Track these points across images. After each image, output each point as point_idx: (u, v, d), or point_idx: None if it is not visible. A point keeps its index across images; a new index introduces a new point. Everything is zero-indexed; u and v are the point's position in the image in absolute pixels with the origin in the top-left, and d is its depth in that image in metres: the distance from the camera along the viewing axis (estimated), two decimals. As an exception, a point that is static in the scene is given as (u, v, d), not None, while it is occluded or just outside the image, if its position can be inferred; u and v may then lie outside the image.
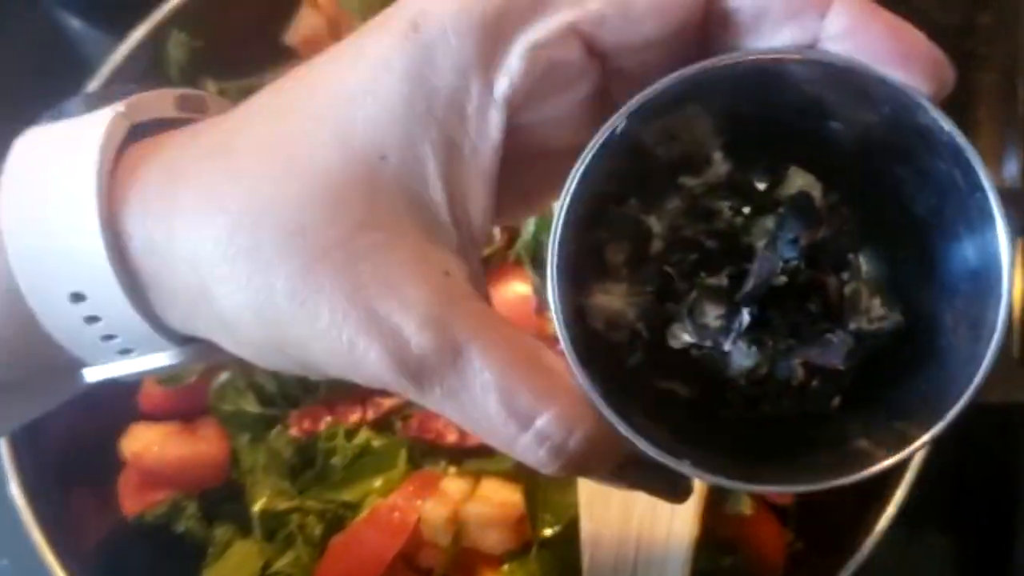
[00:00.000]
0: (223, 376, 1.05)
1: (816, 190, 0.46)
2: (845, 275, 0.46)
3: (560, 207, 0.42)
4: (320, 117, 0.43)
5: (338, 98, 0.43)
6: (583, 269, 0.44)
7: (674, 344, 0.46)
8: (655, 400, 0.46)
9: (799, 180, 0.46)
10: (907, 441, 0.43)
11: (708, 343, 0.45)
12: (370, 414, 1.01)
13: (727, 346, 0.45)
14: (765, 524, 1.03)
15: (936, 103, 0.43)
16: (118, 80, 1.12)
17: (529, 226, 1.00)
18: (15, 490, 1.00)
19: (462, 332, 0.42)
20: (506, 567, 0.96)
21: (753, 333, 0.45)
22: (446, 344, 0.42)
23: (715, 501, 0.96)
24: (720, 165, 0.46)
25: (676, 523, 0.88)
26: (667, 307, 0.46)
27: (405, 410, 1.02)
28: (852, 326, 0.46)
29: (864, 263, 0.46)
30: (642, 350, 0.46)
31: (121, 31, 1.14)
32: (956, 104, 1.33)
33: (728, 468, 0.42)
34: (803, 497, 0.83)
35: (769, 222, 0.45)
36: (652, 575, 0.88)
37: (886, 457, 0.43)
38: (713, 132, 0.45)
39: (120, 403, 1.11)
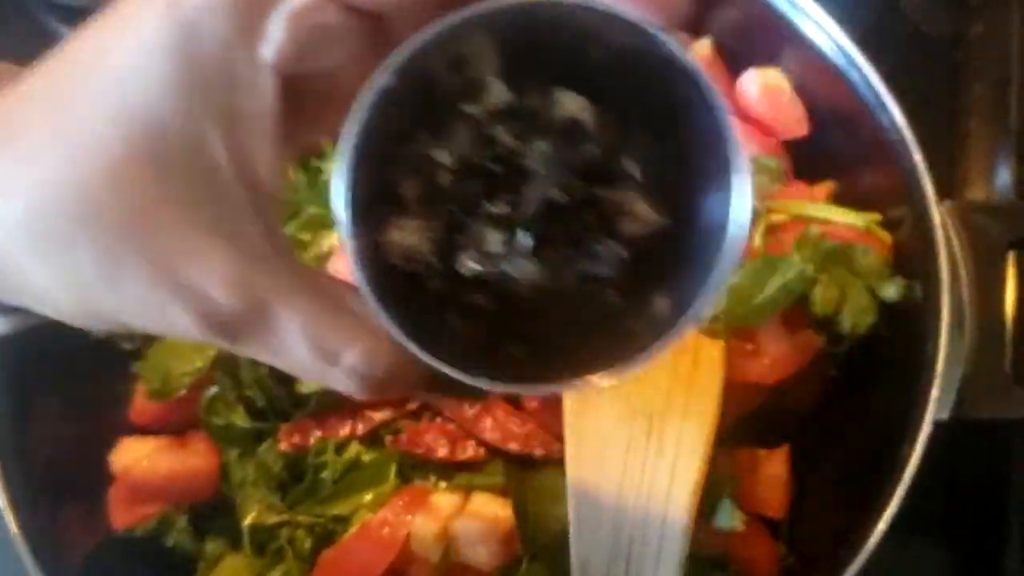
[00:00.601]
0: (213, 390, 1.04)
1: (586, 111, 0.49)
2: (617, 186, 0.50)
3: (342, 149, 0.45)
4: (95, 103, 0.44)
5: (109, 82, 0.44)
6: (377, 207, 0.48)
7: (465, 272, 0.50)
8: (457, 321, 0.51)
9: (570, 103, 0.49)
10: (674, 327, 0.49)
11: (495, 267, 0.49)
12: (360, 428, 1.00)
13: (512, 268, 0.49)
14: (757, 539, 1.03)
15: (671, 33, 0.47)
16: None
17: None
18: (3, 504, 1.00)
19: (266, 289, 0.46)
20: (496, 582, 0.96)
21: (537, 252, 0.49)
22: (252, 302, 0.45)
23: (705, 517, 0.96)
24: (497, 92, 0.49)
25: (671, 508, 0.87)
26: (457, 238, 0.50)
27: (395, 424, 1.02)
28: (626, 231, 0.51)
29: (633, 173, 0.50)
30: (439, 279, 0.50)
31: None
32: (947, 114, 1.35)
33: (522, 376, 0.49)
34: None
35: (545, 145, 0.48)
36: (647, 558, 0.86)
37: (655, 340, 0.49)
38: (489, 63, 0.48)
39: (110, 416, 1.11)
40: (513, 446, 0.96)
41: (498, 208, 0.50)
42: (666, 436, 0.86)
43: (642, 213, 0.51)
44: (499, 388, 0.48)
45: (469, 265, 0.50)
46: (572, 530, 0.86)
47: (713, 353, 0.92)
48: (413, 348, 0.46)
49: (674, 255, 0.51)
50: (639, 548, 0.84)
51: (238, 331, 0.46)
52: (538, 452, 0.95)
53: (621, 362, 0.48)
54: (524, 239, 0.49)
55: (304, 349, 0.47)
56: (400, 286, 0.48)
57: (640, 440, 0.86)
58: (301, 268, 0.49)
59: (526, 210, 0.49)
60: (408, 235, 0.49)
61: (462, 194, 0.50)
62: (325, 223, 1.07)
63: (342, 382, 0.48)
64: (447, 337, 0.49)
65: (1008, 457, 1.21)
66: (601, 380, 0.49)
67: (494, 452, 0.98)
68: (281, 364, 0.48)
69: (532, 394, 0.92)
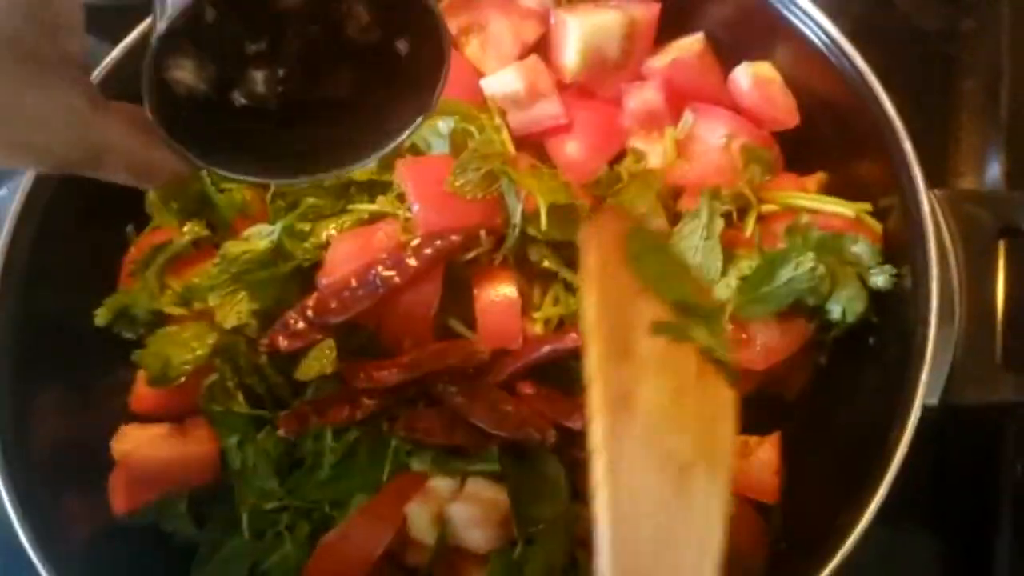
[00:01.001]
0: (213, 377, 1.06)
1: None
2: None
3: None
4: None
5: None
6: (166, 52, 0.66)
7: (237, 102, 0.71)
8: (237, 134, 0.72)
9: None
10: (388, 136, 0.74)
11: (262, 94, 0.72)
12: (357, 414, 1.02)
13: (272, 92, 0.71)
14: (749, 524, 1.04)
15: None
16: (113, 82, 1.13)
17: (514, 230, 1.01)
18: (4, 489, 1.01)
19: (96, 140, 0.66)
20: (492, 564, 0.96)
21: (291, 78, 0.71)
22: (89, 151, 0.66)
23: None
24: None
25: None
26: (227, 73, 0.70)
27: (392, 411, 1.03)
28: (352, 33, 0.71)
29: None
30: (219, 108, 0.71)
31: (111, 38, 1.15)
32: (939, 108, 1.36)
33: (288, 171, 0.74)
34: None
35: None
36: None
37: (372, 151, 0.74)
38: None
39: (111, 404, 1.12)
40: (505, 431, 0.97)
41: (257, 47, 0.69)
42: (694, 494, 0.72)
43: (359, 14, 0.71)
44: (270, 181, 0.77)
45: (239, 98, 0.71)
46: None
47: (729, 400, 0.78)
48: (176, 147, 0.67)
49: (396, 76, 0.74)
50: None
51: (73, 168, 0.67)
52: (533, 437, 0.96)
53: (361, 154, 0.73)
54: (281, 72, 0.71)
55: (123, 176, 0.69)
56: (187, 113, 0.69)
57: (670, 495, 0.71)
58: (118, 117, 0.68)
59: (284, 48, 0.70)
60: (186, 73, 0.69)
61: (227, 35, 0.68)
62: (323, 213, 1.09)
63: (159, 179, 0.72)
64: (229, 147, 0.71)
65: (999, 445, 1.21)
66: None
67: (488, 437, 0.99)
68: (117, 180, 0.70)
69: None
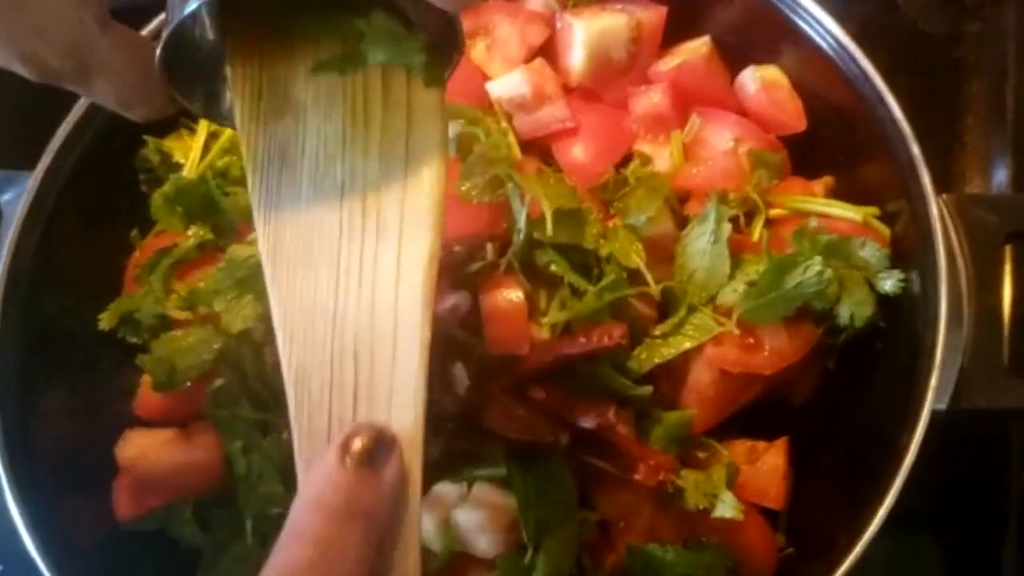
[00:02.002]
0: (218, 382, 1.05)
1: None
2: None
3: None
4: None
5: None
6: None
7: None
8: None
9: None
10: None
11: None
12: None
13: None
14: (756, 530, 1.04)
15: None
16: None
17: (519, 234, 1.01)
18: (10, 496, 1.01)
19: (95, 58, 0.69)
20: (499, 570, 0.96)
21: None
22: (82, 66, 0.69)
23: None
24: None
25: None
26: None
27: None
28: None
29: None
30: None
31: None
32: (945, 112, 1.36)
33: None
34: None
35: None
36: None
37: None
38: None
39: (116, 409, 1.12)
40: (517, 434, 0.96)
41: None
42: (385, 207, 0.72)
43: None
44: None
45: None
46: (281, 345, 0.70)
47: (431, 99, 0.75)
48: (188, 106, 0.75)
49: None
50: (368, 344, 0.68)
51: (62, 80, 0.69)
52: (547, 439, 0.96)
53: None
54: None
55: (110, 99, 0.72)
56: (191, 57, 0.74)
57: (356, 219, 0.72)
58: (127, 37, 0.71)
59: None
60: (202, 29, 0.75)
61: None
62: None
63: (147, 113, 0.76)
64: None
65: (1007, 451, 1.21)
66: None
67: (498, 441, 0.99)
68: (101, 102, 0.73)
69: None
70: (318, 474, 0.63)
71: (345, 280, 0.70)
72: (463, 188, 1.01)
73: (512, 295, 1.00)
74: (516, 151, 1.10)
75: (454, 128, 1.07)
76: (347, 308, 0.69)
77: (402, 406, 0.67)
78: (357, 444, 0.63)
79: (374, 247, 0.70)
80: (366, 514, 0.61)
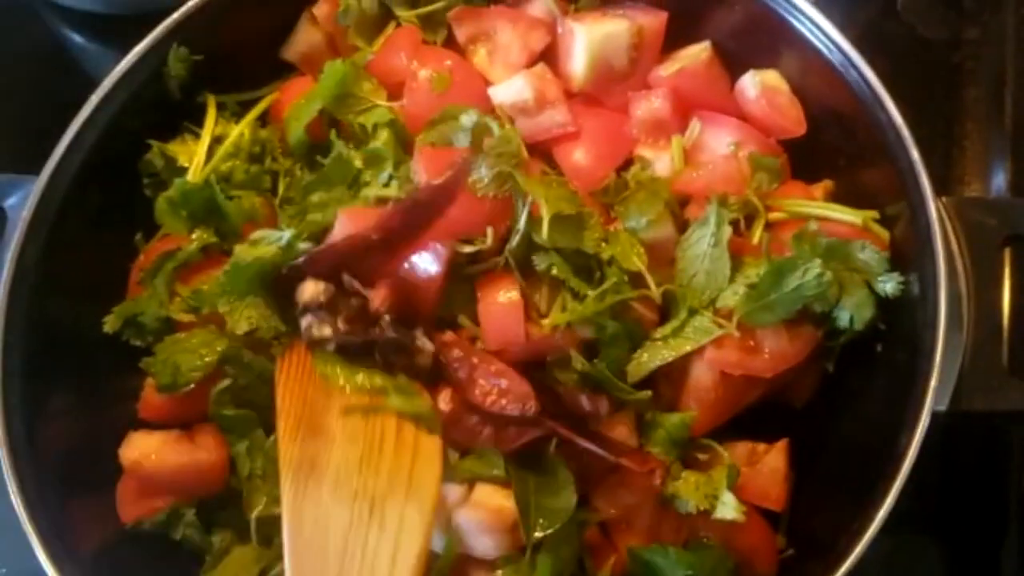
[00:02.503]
0: (223, 383, 1.06)
1: None
2: None
3: None
4: None
5: None
6: None
7: None
8: None
9: None
10: None
11: None
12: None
13: None
14: (757, 531, 1.04)
15: None
16: (120, 91, 1.14)
17: (518, 228, 1.02)
18: (15, 498, 1.02)
19: None
20: (500, 572, 0.97)
21: None
22: None
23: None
24: None
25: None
26: None
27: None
28: None
29: None
30: None
31: (122, 46, 1.17)
32: (944, 116, 1.37)
33: None
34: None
35: None
36: None
37: None
38: None
39: (120, 411, 1.12)
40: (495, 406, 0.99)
41: None
42: (387, 514, 0.94)
43: None
44: None
45: None
46: None
47: (432, 445, 0.99)
48: None
49: None
50: None
51: None
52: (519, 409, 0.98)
53: None
54: None
55: None
56: None
57: (363, 517, 0.94)
58: None
59: None
60: None
61: None
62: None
63: None
64: None
65: (1007, 454, 1.22)
66: None
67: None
68: None
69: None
70: None
71: (351, 560, 0.91)
72: (469, 180, 1.02)
73: (509, 294, 1.01)
74: (523, 151, 1.10)
75: (471, 118, 1.08)
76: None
77: None
78: None
79: (376, 539, 0.92)
80: None
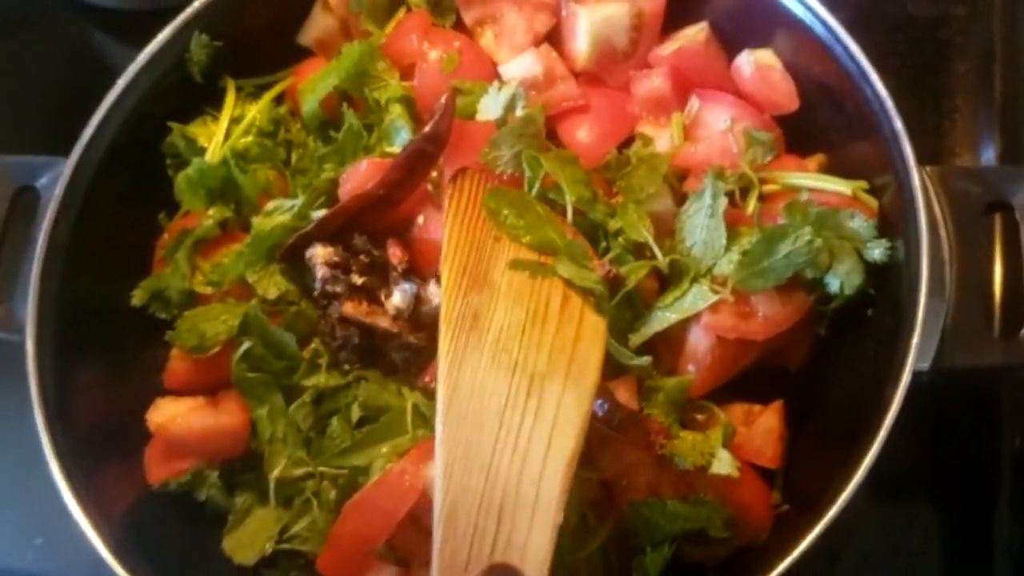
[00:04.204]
0: (245, 346, 1.11)
1: None
2: None
3: None
4: None
5: None
6: None
7: None
8: None
9: None
10: None
11: None
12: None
13: None
14: (753, 487, 1.08)
15: None
16: (145, 77, 1.20)
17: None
18: (52, 466, 1.07)
19: None
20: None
21: None
22: None
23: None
24: None
25: (547, 472, 0.85)
26: None
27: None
28: None
29: None
30: None
31: (141, 40, 1.22)
32: (935, 91, 1.40)
33: None
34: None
35: None
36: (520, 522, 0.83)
37: None
38: None
39: (147, 381, 1.18)
40: None
41: None
42: (545, 398, 0.87)
43: None
44: None
45: None
46: (439, 477, 0.84)
47: (598, 325, 0.95)
48: None
49: None
50: (511, 507, 0.82)
51: None
52: None
53: None
54: None
55: None
56: None
57: (520, 397, 0.87)
58: None
59: None
60: None
61: None
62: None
63: None
64: None
65: (999, 417, 1.26)
66: None
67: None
68: None
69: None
70: None
71: (503, 442, 0.84)
72: (489, 156, 1.06)
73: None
74: (543, 131, 1.12)
75: (508, 90, 1.13)
76: (500, 466, 0.83)
77: (531, 564, 0.80)
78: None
79: (531, 426, 0.85)
80: None
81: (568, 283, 0.96)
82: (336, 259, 1.08)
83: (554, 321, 0.91)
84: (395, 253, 1.09)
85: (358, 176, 1.12)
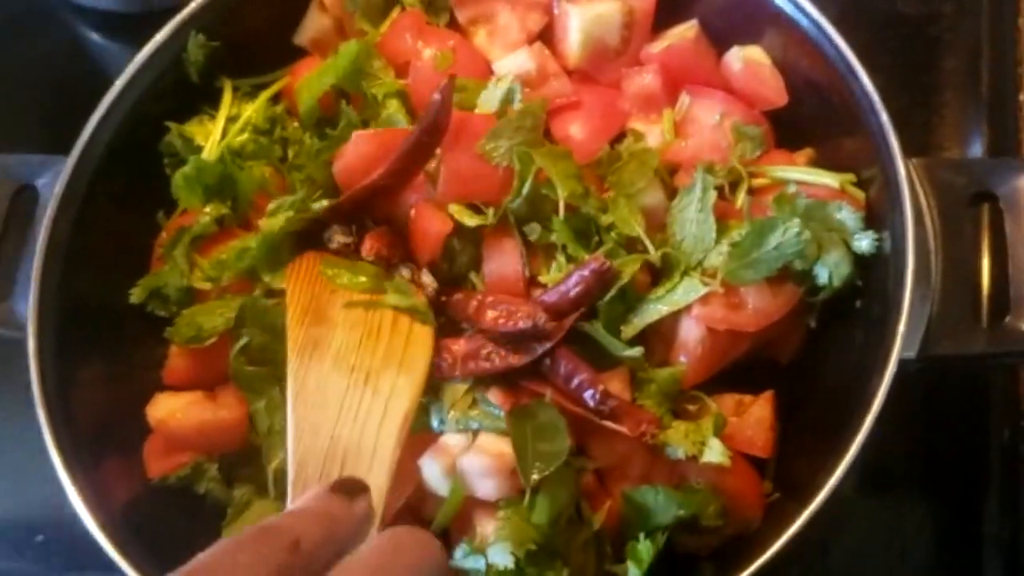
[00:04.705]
0: (243, 340, 1.13)
1: None
2: None
3: None
4: None
5: None
6: None
7: None
8: None
9: None
10: None
11: None
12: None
13: None
14: (744, 476, 1.10)
15: None
16: (143, 77, 1.21)
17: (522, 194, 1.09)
18: (56, 462, 1.08)
19: None
20: (501, 512, 1.02)
21: None
22: None
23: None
24: None
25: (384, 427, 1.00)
26: None
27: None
28: None
29: None
30: None
31: (137, 42, 1.24)
32: (924, 87, 1.42)
33: None
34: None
35: None
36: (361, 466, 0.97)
37: None
38: None
39: (147, 377, 1.19)
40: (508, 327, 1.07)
41: None
42: (381, 382, 1.04)
43: None
44: None
45: None
46: (290, 438, 0.99)
47: (424, 332, 1.10)
48: None
49: None
50: (354, 457, 0.97)
51: None
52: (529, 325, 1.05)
53: None
54: None
55: None
56: None
57: (358, 386, 1.03)
58: None
59: None
60: None
61: None
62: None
63: None
64: None
65: (988, 409, 1.27)
66: None
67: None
68: None
69: None
70: (303, 496, 0.74)
71: (345, 416, 1.00)
72: (487, 147, 1.09)
73: (510, 254, 1.08)
74: (541, 125, 1.15)
75: (505, 83, 1.15)
76: (342, 432, 0.99)
77: (375, 479, 0.93)
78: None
79: (369, 402, 1.02)
80: (334, 518, 0.70)
81: (396, 308, 1.11)
82: (348, 240, 1.15)
83: (386, 335, 1.09)
84: (371, 246, 1.13)
85: (349, 152, 1.15)
